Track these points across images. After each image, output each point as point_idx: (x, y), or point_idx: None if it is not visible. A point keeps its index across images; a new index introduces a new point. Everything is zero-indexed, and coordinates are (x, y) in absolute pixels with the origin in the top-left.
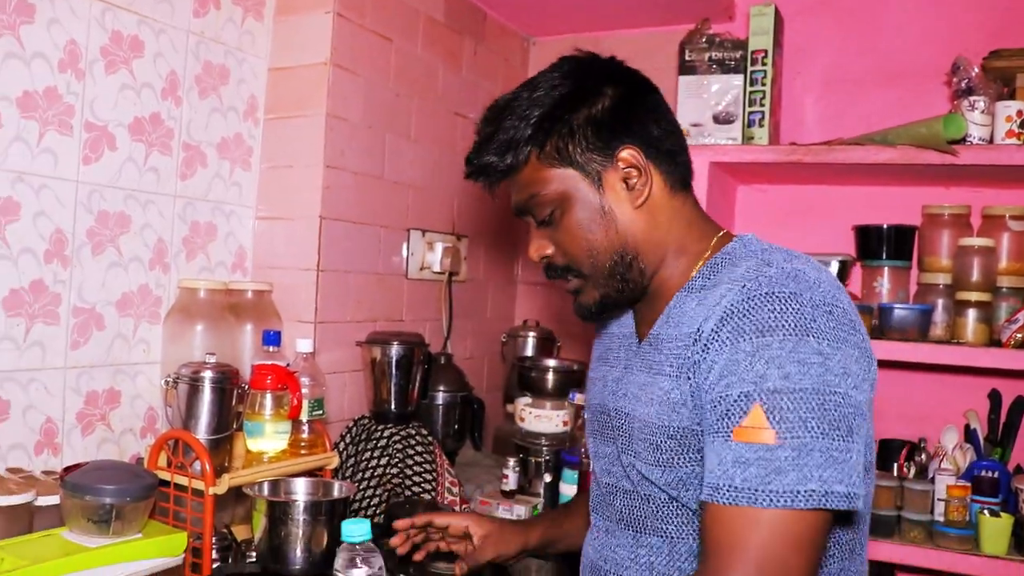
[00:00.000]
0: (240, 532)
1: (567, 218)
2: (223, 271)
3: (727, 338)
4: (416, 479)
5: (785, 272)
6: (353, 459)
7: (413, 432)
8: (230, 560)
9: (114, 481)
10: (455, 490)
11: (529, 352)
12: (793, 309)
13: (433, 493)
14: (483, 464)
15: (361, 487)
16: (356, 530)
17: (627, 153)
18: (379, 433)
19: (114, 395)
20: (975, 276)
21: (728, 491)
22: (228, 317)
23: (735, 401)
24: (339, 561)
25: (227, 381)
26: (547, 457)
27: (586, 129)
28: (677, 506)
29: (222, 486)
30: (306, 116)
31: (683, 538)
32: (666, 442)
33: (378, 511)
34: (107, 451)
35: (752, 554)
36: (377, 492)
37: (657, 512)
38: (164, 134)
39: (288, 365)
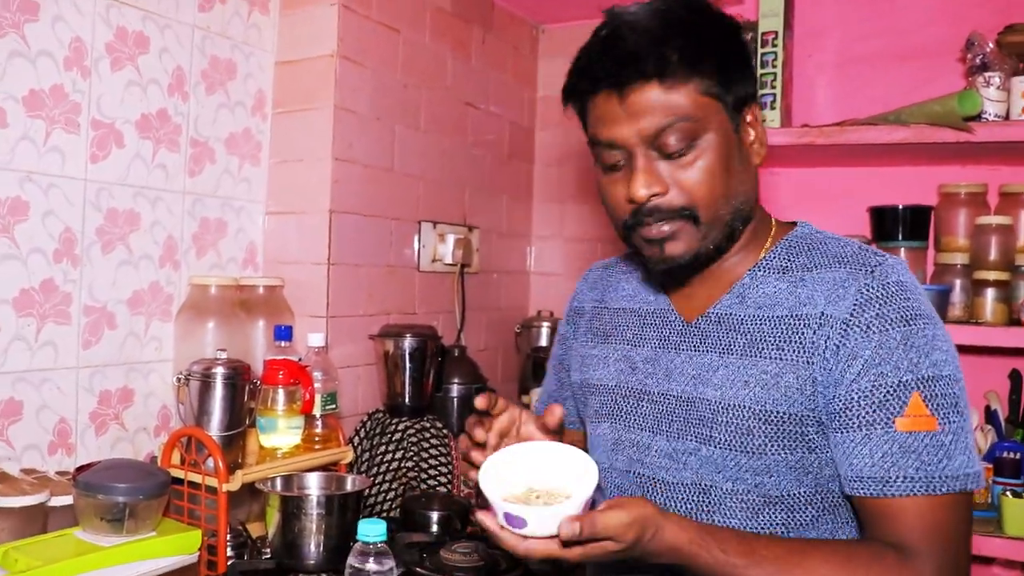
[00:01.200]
0: (255, 529)
1: (707, 155)
2: (234, 267)
3: (874, 325)
4: (432, 472)
5: (897, 262)
6: (368, 453)
7: (428, 425)
8: (245, 557)
9: (127, 479)
10: (471, 483)
11: (543, 342)
12: (919, 299)
13: (449, 486)
14: None
15: (377, 481)
16: (372, 530)
17: (753, 109)
18: (393, 427)
19: (127, 394)
20: (993, 255)
21: (902, 482)
22: (240, 313)
23: (892, 390)
24: (352, 559)
25: (238, 377)
26: None
27: (739, 69)
28: (747, 496)
29: (235, 483)
30: (314, 109)
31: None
32: (760, 427)
33: (394, 505)
34: (121, 450)
35: (945, 541)
36: (393, 486)
37: (715, 504)
38: (172, 130)
39: (300, 360)
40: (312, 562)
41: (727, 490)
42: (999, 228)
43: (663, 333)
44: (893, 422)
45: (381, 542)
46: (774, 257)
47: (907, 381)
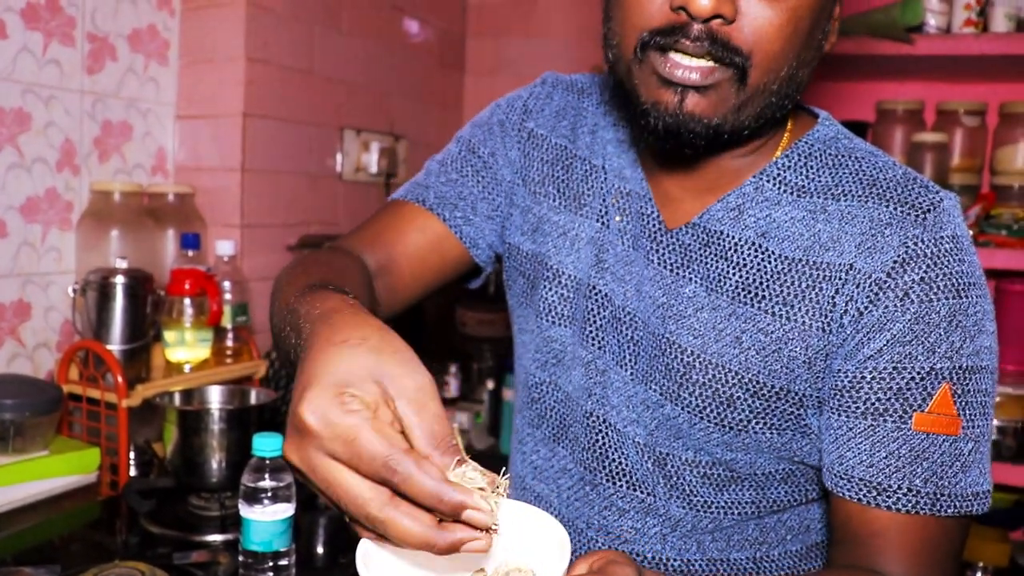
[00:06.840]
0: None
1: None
2: (142, 174)
3: (915, 291)
4: None
5: (952, 204)
6: (286, 369)
7: None
8: (151, 476)
9: (12, 395)
10: None
11: None
12: (973, 259)
13: None
14: None
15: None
16: (267, 444)
17: None
18: None
19: (23, 307)
20: (927, 173)
21: (905, 495)
22: (148, 222)
23: (918, 378)
24: (246, 475)
25: (139, 286)
26: (490, 363)
27: None
28: (710, 469)
29: (136, 398)
30: (225, 5)
31: (709, 510)
32: (746, 400)
33: None
34: (19, 366)
35: (933, 571)
36: None
37: (673, 475)
38: (64, 23)
39: (209, 270)
40: (213, 480)
41: (686, 460)
42: (934, 146)
43: (637, 228)
44: (911, 417)
45: (277, 457)
46: (788, 166)
47: (940, 370)
